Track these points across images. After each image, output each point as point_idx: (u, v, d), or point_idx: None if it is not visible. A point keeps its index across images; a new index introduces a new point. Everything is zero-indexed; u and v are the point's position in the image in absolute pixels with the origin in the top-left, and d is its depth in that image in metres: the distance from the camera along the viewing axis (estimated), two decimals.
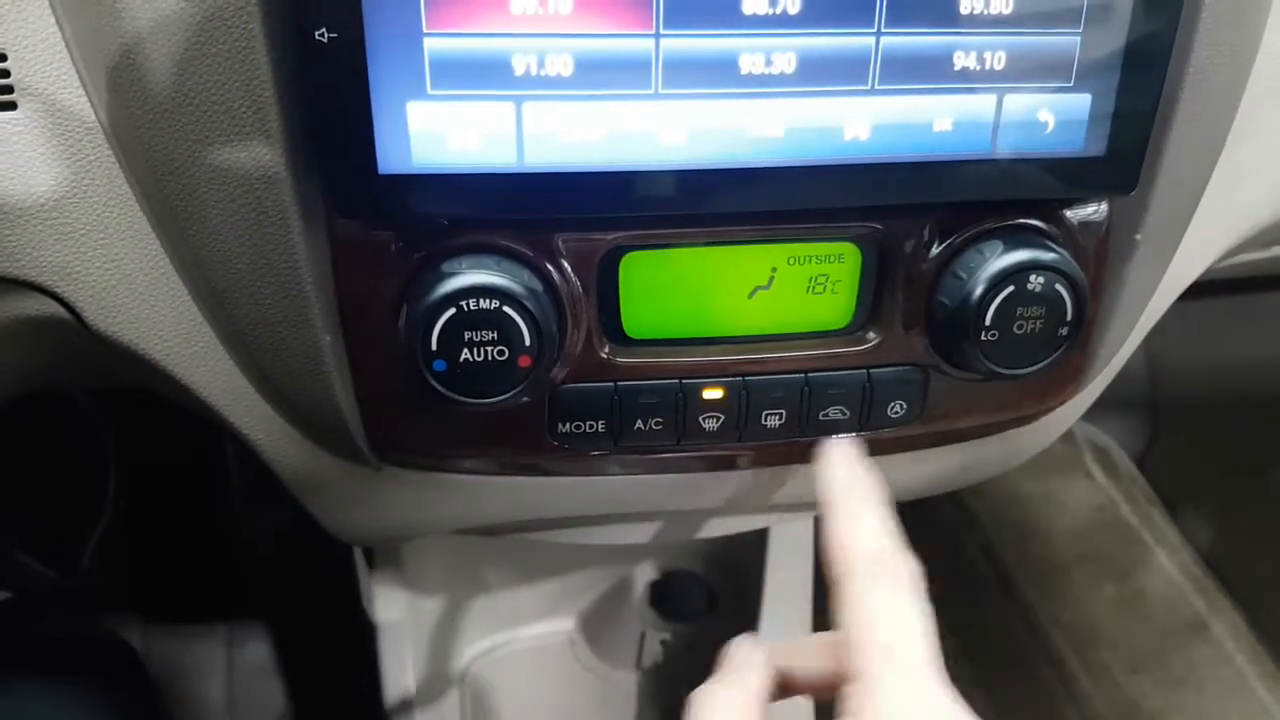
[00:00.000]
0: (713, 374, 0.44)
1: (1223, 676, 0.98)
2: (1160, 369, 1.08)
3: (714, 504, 0.54)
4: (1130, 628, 1.03)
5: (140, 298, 0.41)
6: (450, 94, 0.36)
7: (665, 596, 0.93)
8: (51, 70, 0.38)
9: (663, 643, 0.93)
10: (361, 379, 0.42)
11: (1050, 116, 0.39)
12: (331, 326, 0.41)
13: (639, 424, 0.44)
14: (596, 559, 0.93)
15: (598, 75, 0.36)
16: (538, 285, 0.40)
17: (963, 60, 0.38)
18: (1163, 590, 1.04)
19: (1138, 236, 0.44)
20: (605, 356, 0.43)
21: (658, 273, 0.43)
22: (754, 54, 0.36)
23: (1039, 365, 0.43)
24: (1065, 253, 0.42)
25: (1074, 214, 0.44)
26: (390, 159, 0.36)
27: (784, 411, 0.45)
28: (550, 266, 0.41)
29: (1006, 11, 0.37)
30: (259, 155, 0.37)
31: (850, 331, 0.45)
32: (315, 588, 1.03)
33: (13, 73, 0.37)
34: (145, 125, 0.38)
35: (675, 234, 0.42)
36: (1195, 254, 0.50)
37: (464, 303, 0.38)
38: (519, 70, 0.36)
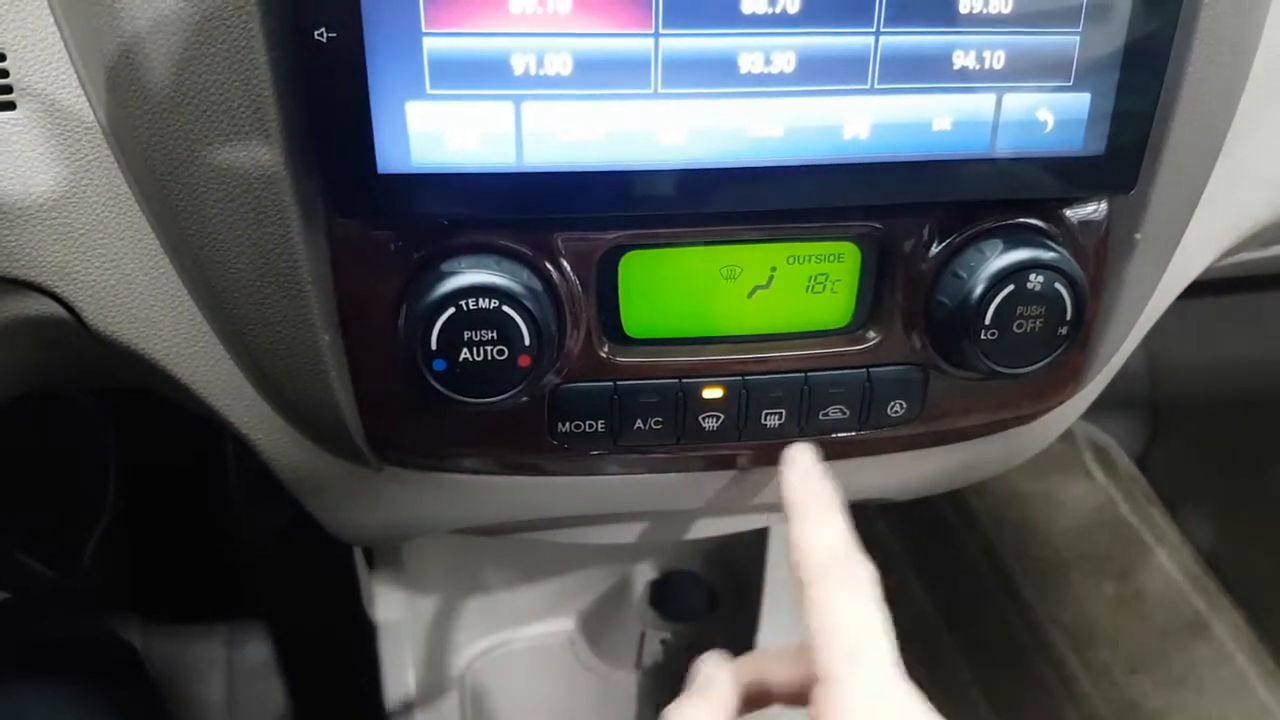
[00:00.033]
0: (712, 373, 0.44)
1: (1223, 676, 0.98)
2: (1160, 368, 1.08)
3: (714, 504, 0.54)
4: (1130, 627, 1.03)
5: (140, 297, 0.41)
6: (449, 93, 0.36)
7: (665, 596, 0.93)
8: (50, 70, 0.38)
9: (663, 642, 0.93)
10: (361, 379, 0.42)
11: (1049, 116, 0.39)
12: (331, 326, 0.41)
13: (639, 423, 0.44)
14: (596, 559, 0.93)
15: (597, 75, 0.36)
16: (537, 285, 0.40)
17: (962, 59, 0.38)
18: (1162, 590, 1.04)
19: (1137, 236, 0.44)
20: (605, 356, 0.43)
21: (657, 272, 0.43)
22: (753, 53, 0.36)
23: (1039, 364, 0.43)
24: (1065, 252, 0.42)
25: (1074, 213, 0.44)
26: (389, 159, 0.36)
27: (784, 411, 0.45)
28: (550, 266, 0.41)
29: (1006, 11, 0.37)
30: (258, 155, 0.37)
31: (850, 331, 0.45)
32: (315, 588, 1.03)
33: (12, 73, 0.37)
34: (144, 125, 0.38)
35: (675, 233, 0.42)
36: (1195, 253, 0.50)
37: (463, 302, 0.38)
38: (518, 70, 0.36)
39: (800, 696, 0.42)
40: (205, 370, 0.43)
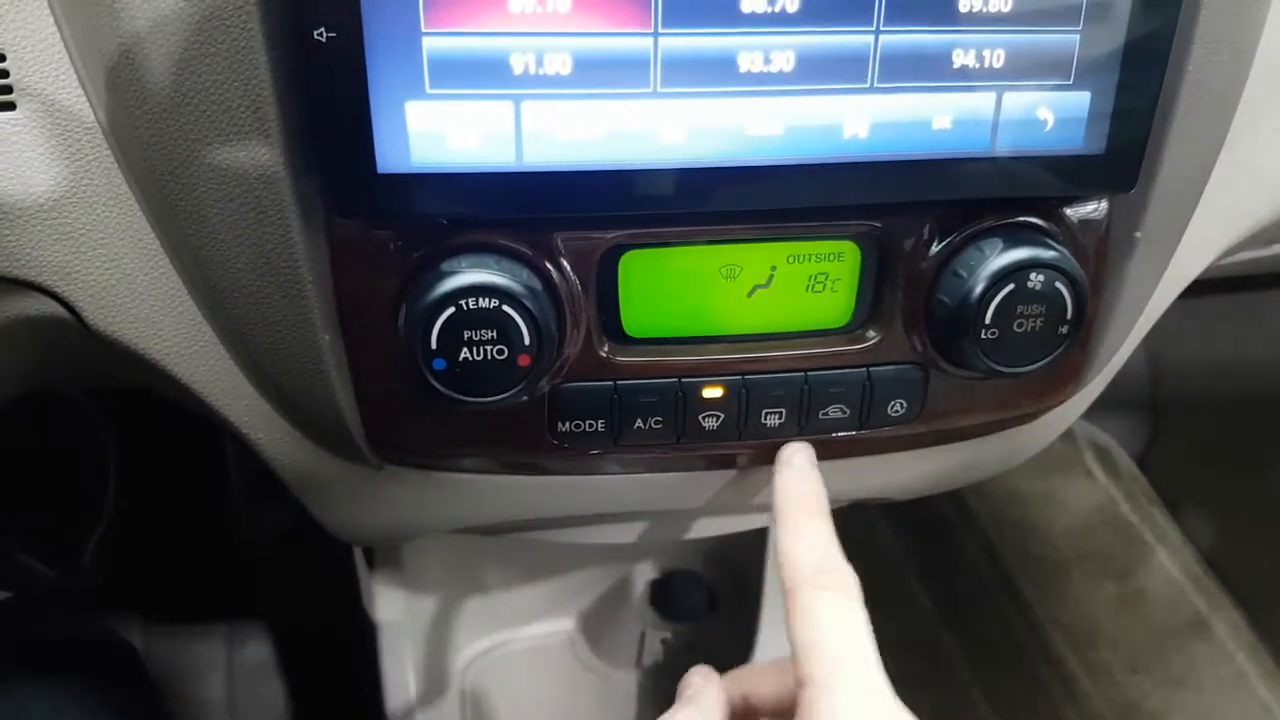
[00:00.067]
0: (712, 373, 0.44)
1: (1223, 676, 0.98)
2: (1161, 367, 1.08)
3: (714, 503, 0.54)
4: (1130, 627, 1.03)
5: (140, 297, 0.41)
6: (449, 93, 0.36)
7: (665, 596, 0.94)
8: (51, 70, 0.38)
9: (663, 642, 0.93)
10: (361, 378, 0.42)
11: (1049, 114, 0.39)
12: (331, 326, 0.41)
13: (639, 423, 0.44)
14: (596, 559, 0.93)
15: (596, 74, 0.36)
16: (537, 284, 0.40)
17: (962, 58, 0.38)
18: (1163, 589, 1.04)
19: (1138, 234, 0.44)
20: (605, 355, 0.43)
21: (657, 271, 0.43)
22: (753, 52, 0.36)
23: (1039, 363, 0.43)
24: (1065, 251, 0.42)
25: (1074, 212, 0.44)
26: (389, 158, 0.36)
27: (784, 410, 0.45)
28: (549, 265, 0.41)
29: (1005, 9, 0.37)
30: (258, 155, 0.37)
31: (850, 330, 0.45)
32: (315, 588, 1.03)
33: (12, 73, 0.37)
34: (144, 125, 0.38)
35: (674, 232, 0.42)
36: (1195, 252, 0.50)
37: (463, 302, 0.38)
38: (517, 69, 0.36)
39: (785, 710, 0.42)
40: (205, 370, 0.43)
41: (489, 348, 0.39)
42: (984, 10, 0.37)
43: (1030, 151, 0.40)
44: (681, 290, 0.44)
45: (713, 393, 0.45)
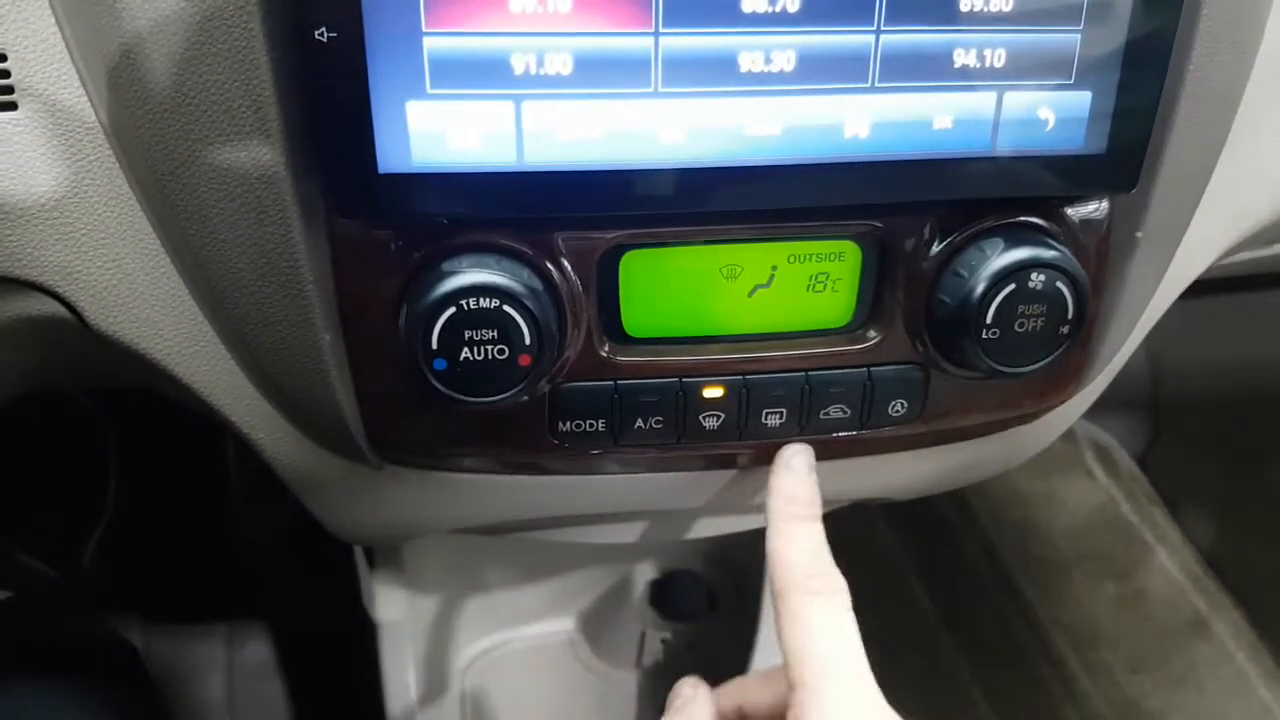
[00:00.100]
0: (713, 373, 0.44)
1: (1223, 676, 0.98)
2: (1162, 367, 1.08)
3: (714, 503, 0.54)
4: (1130, 627, 1.03)
5: (141, 297, 0.41)
6: (450, 93, 0.36)
7: (665, 596, 0.94)
8: (51, 70, 0.38)
9: (663, 642, 0.93)
10: (362, 378, 0.42)
11: (1050, 114, 0.39)
12: (332, 326, 0.41)
13: (639, 423, 0.44)
14: (596, 559, 0.93)
15: (597, 74, 0.36)
16: (538, 284, 0.40)
17: (963, 58, 0.38)
18: (1163, 589, 1.04)
19: (1139, 234, 0.44)
20: (605, 355, 0.43)
21: (658, 271, 0.43)
22: (753, 52, 0.36)
23: (1040, 363, 0.43)
24: (1066, 250, 0.42)
25: (1075, 212, 0.44)
26: (390, 158, 0.36)
27: (784, 410, 0.45)
28: (550, 265, 0.41)
29: (1006, 9, 0.37)
30: (259, 155, 0.37)
31: (851, 330, 0.45)
32: (315, 588, 1.03)
33: (13, 73, 0.37)
34: (145, 125, 0.38)
35: (675, 232, 0.42)
36: (1196, 252, 0.50)
37: (464, 301, 0.38)
38: (518, 69, 0.36)
39: (780, 717, 0.43)
40: (206, 370, 0.43)
41: (490, 347, 0.39)
42: (985, 10, 0.37)
43: (1031, 151, 0.40)
44: (682, 290, 0.44)
45: (713, 393, 0.45)
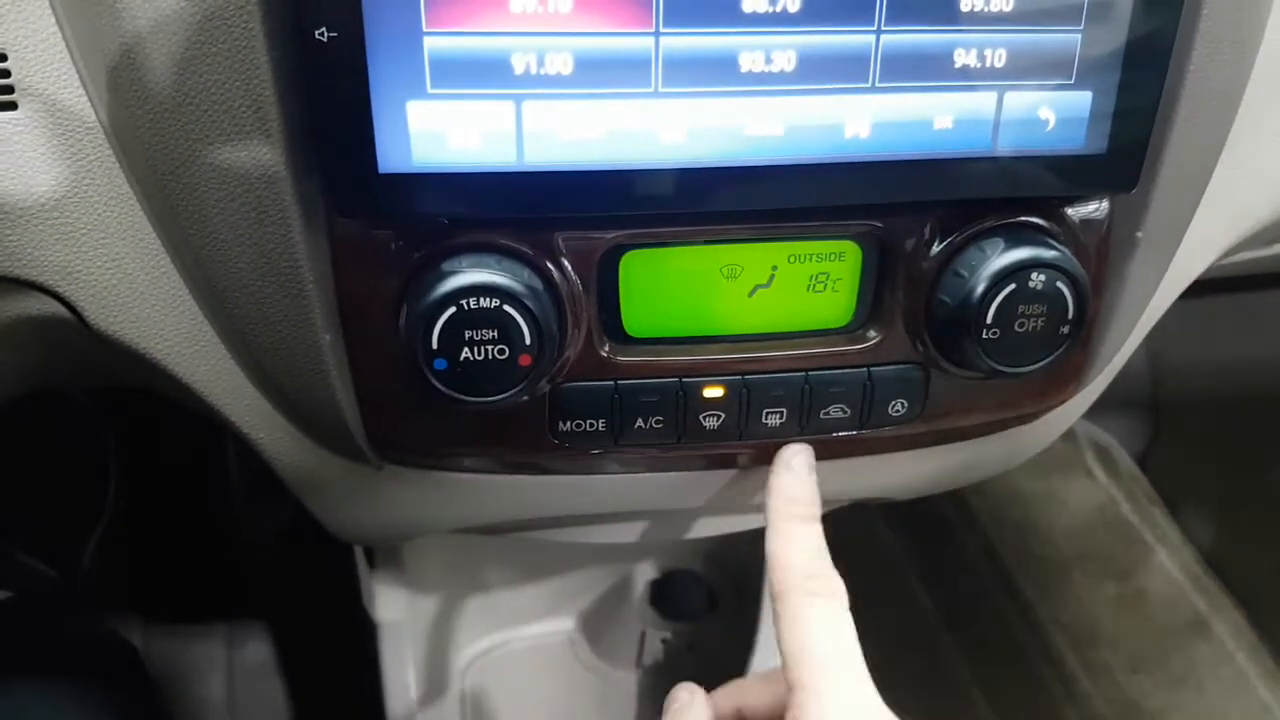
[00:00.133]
0: (713, 372, 0.44)
1: (1223, 676, 0.98)
2: (1162, 367, 1.08)
3: (714, 503, 0.54)
4: (1130, 627, 1.03)
5: (141, 297, 0.41)
6: (450, 93, 0.36)
7: (665, 596, 0.94)
8: (52, 70, 0.38)
9: (663, 642, 0.93)
10: (362, 378, 0.42)
11: (1051, 114, 0.39)
12: (332, 325, 0.41)
13: (639, 422, 0.44)
14: (596, 559, 0.93)
15: (597, 74, 0.36)
16: (538, 284, 0.40)
17: (963, 58, 0.38)
18: (1163, 589, 1.04)
19: (1139, 234, 0.44)
20: (606, 355, 0.43)
21: (658, 271, 0.43)
22: (754, 52, 0.36)
23: (1040, 363, 0.43)
24: (1067, 250, 0.42)
25: (1075, 212, 0.44)
26: (390, 158, 0.36)
27: (784, 410, 0.45)
28: (550, 265, 0.41)
29: (1007, 9, 0.37)
30: (259, 154, 0.37)
31: (851, 330, 0.45)
32: (315, 588, 1.03)
33: (13, 73, 0.37)
34: (145, 124, 0.38)
35: (675, 232, 0.42)
36: (1196, 252, 0.50)
37: (464, 301, 0.38)
38: (519, 69, 0.36)
39: (778, 717, 0.43)
40: (206, 370, 0.43)
41: (490, 347, 0.39)
42: (985, 10, 0.37)
43: (1032, 151, 0.40)
44: (682, 290, 0.44)
45: (713, 392, 0.45)
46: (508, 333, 0.39)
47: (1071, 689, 1.03)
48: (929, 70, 0.38)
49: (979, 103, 0.39)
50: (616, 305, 0.43)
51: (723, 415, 0.45)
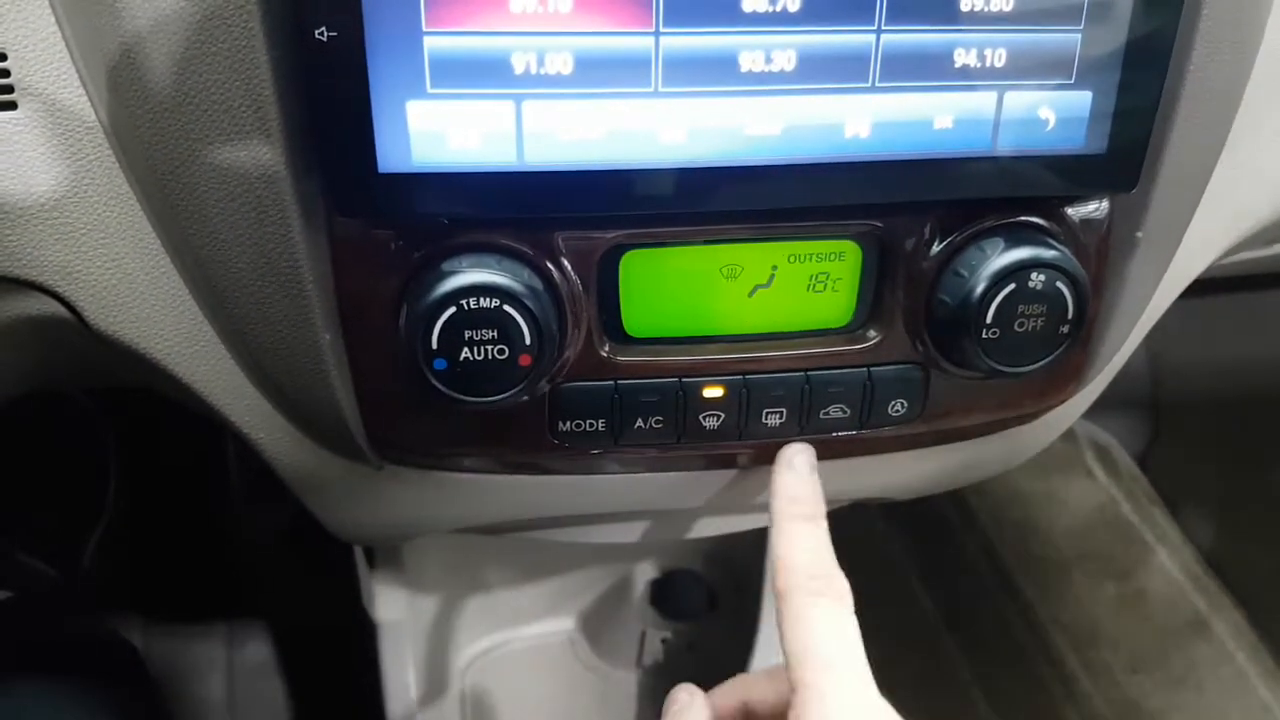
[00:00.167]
0: (713, 372, 0.44)
1: (1223, 676, 0.98)
2: (1162, 367, 1.08)
3: (714, 503, 0.54)
4: (1130, 627, 1.03)
5: (141, 297, 0.41)
6: (450, 93, 0.36)
7: (665, 595, 0.94)
8: (51, 70, 0.38)
9: (663, 641, 0.93)
10: (362, 378, 0.42)
11: (1051, 114, 0.39)
12: (332, 325, 0.41)
13: (639, 422, 0.44)
14: (596, 558, 0.93)
15: (597, 73, 0.36)
16: (538, 284, 0.40)
17: (963, 57, 0.38)
18: (1163, 589, 1.04)
19: (1139, 234, 0.44)
20: (605, 355, 0.43)
21: (658, 271, 0.43)
22: (754, 52, 0.36)
23: (1040, 363, 0.43)
24: (1066, 250, 0.42)
25: (1075, 211, 0.44)
26: (390, 158, 0.36)
27: (784, 410, 0.45)
28: (550, 265, 0.41)
29: (1007, 9, 0.37)
30: (259, 154, 0.37)
31: (851, 330, 0.45)
32: (315, 588, 1.03)
33: (13, 73, 0.37)
34: (145, 124, 0.38)
35: (675, 232, 0.42)
36: (1196, 252, 0.50)
37: (464, 301, 0.38)
38: (519, 69, 0.36)
39: (783, 714, 0.43)
40: (206, 370, 0.43)
41: (490, 347, 0.39)
42: (985, 9, 0.37)
43: (1032, 151, 0.40)
44: (682, 290, 0.44)
45: (713, 392, 0.45)
46: (508, 333, 0.39)
47: (1071, 689, 1.03)
48: (929, 70, 0.38)
49: (979, 102, 0.38)
50: (616, 305, 0.43)
51: (723, 415, 0.45)
